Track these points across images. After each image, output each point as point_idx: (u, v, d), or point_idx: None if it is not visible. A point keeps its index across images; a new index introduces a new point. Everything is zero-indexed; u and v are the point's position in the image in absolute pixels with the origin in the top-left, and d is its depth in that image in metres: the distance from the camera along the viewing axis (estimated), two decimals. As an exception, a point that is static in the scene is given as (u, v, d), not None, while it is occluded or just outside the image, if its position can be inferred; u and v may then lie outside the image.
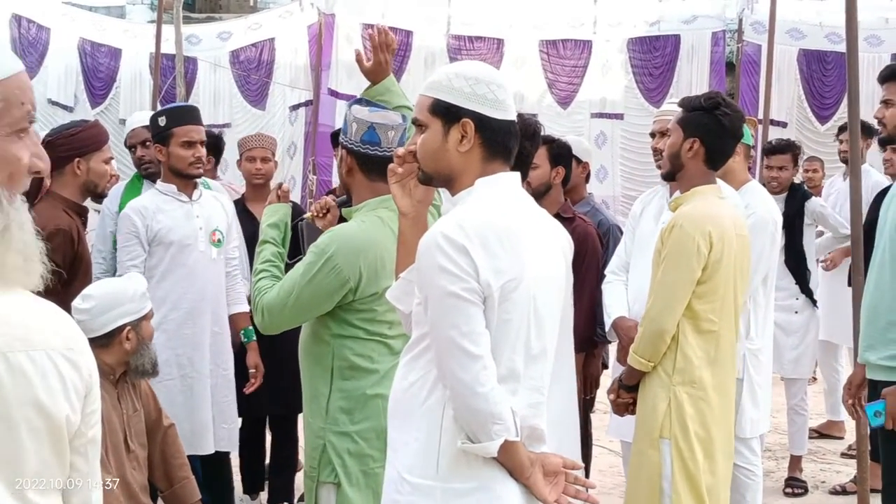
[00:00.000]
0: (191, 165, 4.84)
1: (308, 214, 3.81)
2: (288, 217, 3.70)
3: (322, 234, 3.49)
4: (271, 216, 3.72)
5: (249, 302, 5.15)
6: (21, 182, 1.62)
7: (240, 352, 5.25)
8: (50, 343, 1.96)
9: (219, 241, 4.98)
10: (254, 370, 5.16)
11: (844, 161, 7.86)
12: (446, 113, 2.71)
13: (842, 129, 7.97)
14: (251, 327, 5.18)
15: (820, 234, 7.16)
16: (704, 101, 4.00)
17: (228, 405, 5.05)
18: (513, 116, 2.79)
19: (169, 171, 4.92)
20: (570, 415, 4.22)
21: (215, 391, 4.95)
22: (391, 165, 2.99)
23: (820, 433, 7.62)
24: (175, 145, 4.85)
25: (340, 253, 3.34)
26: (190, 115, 5.04)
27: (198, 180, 5.02)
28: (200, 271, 4.91)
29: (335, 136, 5.97)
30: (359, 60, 3.86)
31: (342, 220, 3.82)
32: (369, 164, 3.47)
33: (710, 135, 3.93)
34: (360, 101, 3.68)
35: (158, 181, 5.04)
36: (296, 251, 4.28)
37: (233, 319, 5.13)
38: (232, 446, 5.11)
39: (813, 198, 6.80)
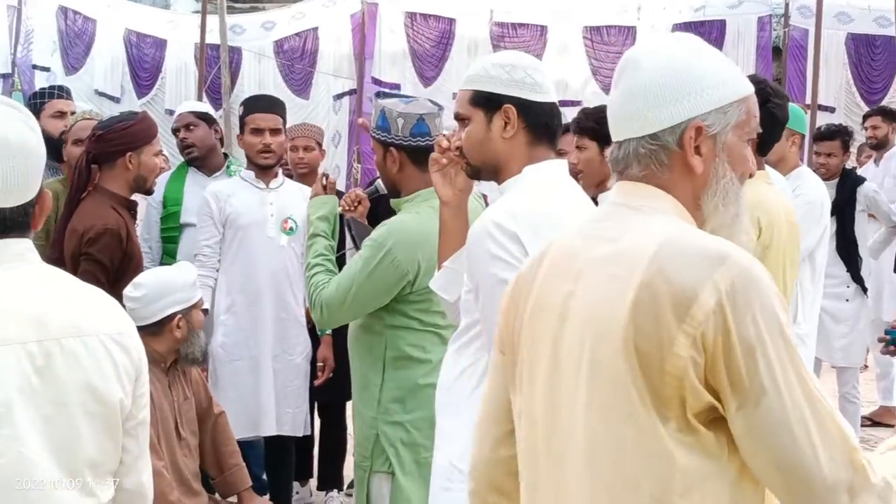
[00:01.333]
0: (258, 153, 4.97)
1: (338, 209, 3.81)
2: (336, 209, 3.73)
3: (378, 227, 3.49)
4: (320, 208, 3.73)
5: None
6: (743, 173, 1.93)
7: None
8: (101, 329, 2.06)
9: (291, 229, 5.06)
10: (321, 363, 5.22)
11: (873, 147, 7.85)
12: (487, 102, 2.75)
13: (868, 115, 8.05)
14: None
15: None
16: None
17: (294, 390, 5.12)
18: (553, 98, 2.82)
19: (247, 159, 5.11)
20: None
21: (279, 375, 5.03)
22: (434, 155, 3.02)
23: (872, 421, 7.56)
24: (247, 133, 5.03)
25: (399, 246, 3.34)
26: (260, 104, 5.21)
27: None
28: (266, 256, 5.01)
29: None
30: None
31: (373, 210, 3.84)
32: (422, 156, 3.45)
33: (762, 127, 3.90)
34: (380, 95, 3.69)
35: (243, 169, 5.20)
36: (342, 243, 4.33)
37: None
38: (295, 431, 5.18)
39: (866, 182, 6.70)
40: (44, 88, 6.13)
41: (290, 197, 5.12)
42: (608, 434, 1.76)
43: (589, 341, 1.78)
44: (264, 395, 4.96)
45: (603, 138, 4.15)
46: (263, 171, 5.05)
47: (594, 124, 4.13)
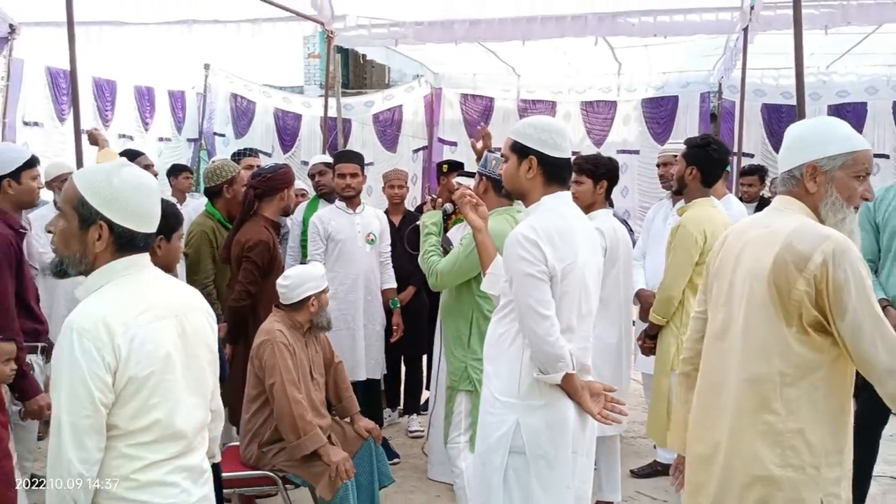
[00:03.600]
0: (343, 189, 4.95)
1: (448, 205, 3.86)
2: (440, 219, 3.82)
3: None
4: (432, 217, 3.80)
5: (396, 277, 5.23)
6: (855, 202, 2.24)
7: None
8: (201, 306, 2.25)
9: (371, 240, 5.04)
10: (396, 327, 5.23)
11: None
12: (520, 150, 2.73)
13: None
14: (396, 298, 5.25)
15: None
16: (700, 141, 3.93)
17: (376, 349, 5.10)
18: (568, 155, 2.76)
19: (337, 194, 5.06)
20: (625, 351, 4.19)
21: (367, 339, 5.02)
22: (459, 195, 3.14)
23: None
24: (336, 177, 5.01)
25: None
26: (343, 157, 5.11)
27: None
28: (357, 259, 4.98)
29: (439, 168, 6.00)
30: (473, 147, 4.01)
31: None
32: (499, 186, 3.53)
33: (703, 164, 3.84)
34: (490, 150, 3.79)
35: (336, 200, 5.11)
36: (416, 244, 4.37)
37: (384, 293, 5.17)
38: (376, 375, 5.16)
39: None
40: (240, 149, 6.29)
41: (370, 218, 5.09)
42: (757, 330, 2.15)
43: (749, 279, 2.18)
44: (358, 352, 4.95)
45: (597, 177, 4.09)
46: (349, 201, 5.00)
47: (591, 167, 4.07)
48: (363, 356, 4.98)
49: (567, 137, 2.77)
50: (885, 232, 3.85)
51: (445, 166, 5.04)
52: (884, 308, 3.75)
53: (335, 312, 4.83)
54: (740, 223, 2.42)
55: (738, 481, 2.16)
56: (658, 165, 5.16)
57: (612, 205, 4.51)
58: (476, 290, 3.51)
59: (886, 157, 10.79)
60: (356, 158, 5.10)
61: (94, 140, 4.56)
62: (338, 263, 4.91)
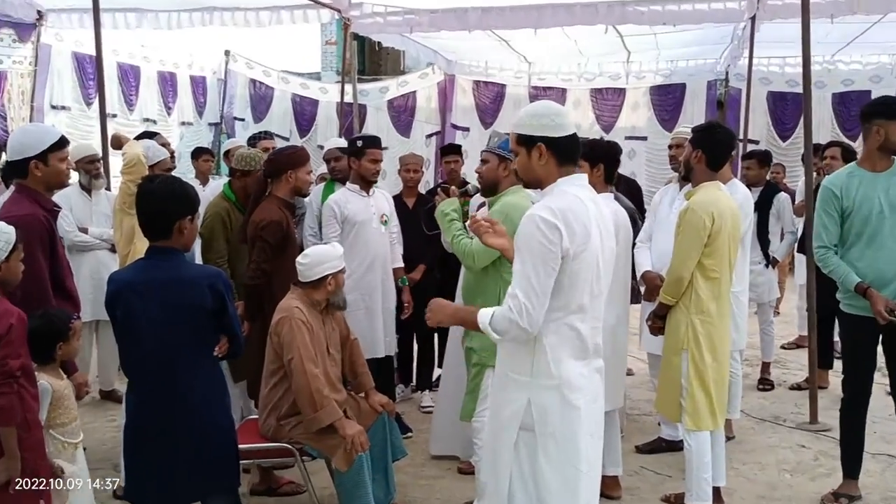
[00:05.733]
0: (373, 175, 4.86)
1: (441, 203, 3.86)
2: (459, 205, 3.86)
3: (496, 205, 3.76)
4: (450, 205, 3.85)
5: (404, 258, 5.22)
6: None
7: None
8: None
9: (384, 221, 4.98)
10: (406, 304, 5.18)
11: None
12: (526, 141, 2.64)
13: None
14: (405, 277, 5.20)
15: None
16: (706, 126, 3.90)
17: (390, 327, 5.06)
18: (572, 131, 2.65)
19: (357, 177, 4.91)
20: (622, 331, 4.16)
21: (385, 319, 4.98)
22: (483, 230, 2.93)
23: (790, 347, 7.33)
24: (365, 160, 4.85)
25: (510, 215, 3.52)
26: (374, 142, 4.98)
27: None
28: (373, 240, 4.90)
29: (448, 148, 6.11)
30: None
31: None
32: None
33: (708, 147, 3.79)
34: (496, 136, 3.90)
35: (348, 182, 4.98)
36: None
37: (394, 272, 5.12)
38: (391, 351, 5.12)
39: (780, 193, 6.36)
40: (256, 133, 6.35)
41: (381, 200, 5.01)
42: None
43: None
44: (377, 331, 4.88)
45: (592, 160, 3.99)
46: (366, 185, 4.89)
47: (587, 150, 3.93)
48: (381, 335, 4.92)
49: (565, 114, 2.68)
50: (856, 216, 3.86)
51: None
52: (865, 290, 3.76)
53: (353, 293, 4.68)
54: None
55: None
56: (670, 147, 5.09)
57: (618, 189, 4.42)
58: (503, 270, 3.50)
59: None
60: (381, 144, 5.04)
61: (118, 143, 4.46)
62: (355, 245, 4.78)
